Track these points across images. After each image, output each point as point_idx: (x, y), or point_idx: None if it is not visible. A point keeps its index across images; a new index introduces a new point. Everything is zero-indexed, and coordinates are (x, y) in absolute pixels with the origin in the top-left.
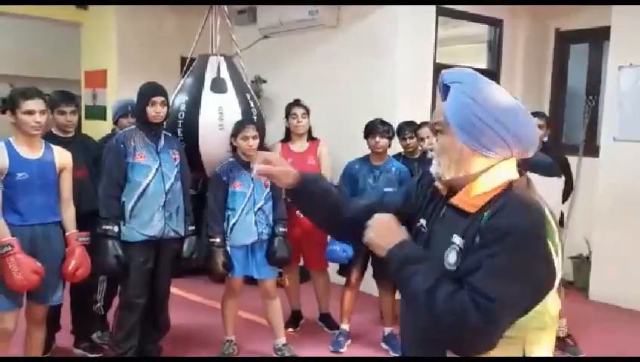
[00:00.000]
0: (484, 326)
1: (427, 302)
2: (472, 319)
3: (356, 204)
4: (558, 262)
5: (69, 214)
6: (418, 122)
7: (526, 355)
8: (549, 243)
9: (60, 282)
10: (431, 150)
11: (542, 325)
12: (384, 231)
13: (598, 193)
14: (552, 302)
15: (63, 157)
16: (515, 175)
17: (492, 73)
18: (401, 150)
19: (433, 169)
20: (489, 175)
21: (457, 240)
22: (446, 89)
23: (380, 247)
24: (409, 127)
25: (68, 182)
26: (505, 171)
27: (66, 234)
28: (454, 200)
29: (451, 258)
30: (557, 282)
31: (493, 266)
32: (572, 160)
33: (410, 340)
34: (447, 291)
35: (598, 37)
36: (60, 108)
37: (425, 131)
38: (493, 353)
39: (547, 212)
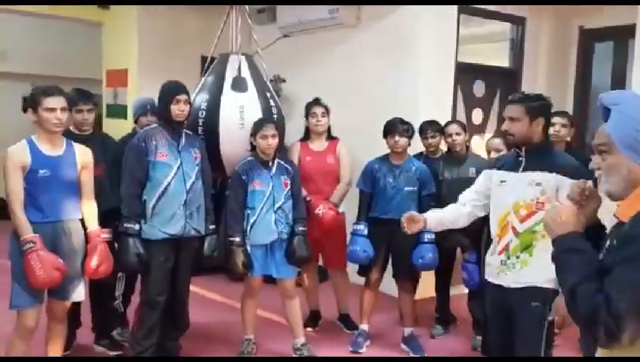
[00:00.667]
0: (610, 321)
1: (570, 294)
2: (602, 315)
3: None
4: None
5: (90, 211)
6: (440, 121)
7: None
8: None
9: (82, 279)
10: (598, 169)
11: None
12: (561, 218)
13: None
14: None
15: (84, 154)
16: None
17: (514, 72)
18: (423, 149)
19: (602, 188)
20: None
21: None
22: (606, 111)
23: (551, 231)
24: (431, 127)
25: (89, 179)
26: None
27: (88, 230)
28: (619, 215)
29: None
30: None
31: (622, 269)
32: None
33: None
34: (589, 290)
35: (623, 35)
36: (77, 107)
37: (454, 128)
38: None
39: None
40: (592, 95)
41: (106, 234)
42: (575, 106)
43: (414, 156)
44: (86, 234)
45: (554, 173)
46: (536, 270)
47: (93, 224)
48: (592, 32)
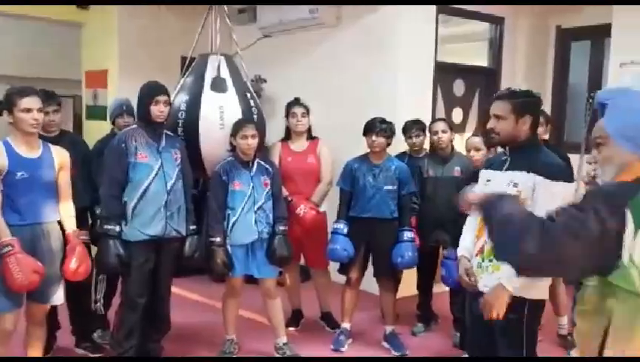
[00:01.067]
0: (541, 234)
1: (504, 219)
2: (535, 224)
3: None
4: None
5: (68, 212)
6: (420, 120)
7: None
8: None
9: (61, 281)
10: (596, 162)
11: None
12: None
13: None
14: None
15: (61, 155)
16: None
17: (493, 71)
18: (406, 148)
19: (599, 179)
20: (631, 172)
21: None
22: (602, 106)
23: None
24: (415, 126)
25: (67, 181)
26: None
27: (67, 232)
28: None
29: None
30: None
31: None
32: (575, 158)
33: None
34: (526, 214)
35: (600, 34)
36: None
37: (440, 125)
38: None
39: None
40: (569, 93)
41: (84, 236)
42: (553, 104)
43: (398, 155)
44: (64, 236)
45: (531, 173)
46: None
47: (71, 225)
48: (569, 32)
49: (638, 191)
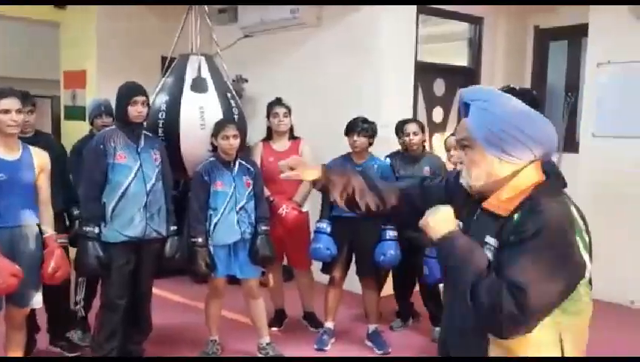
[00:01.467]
0: (517, 312)
1: (471, 291)
2: (507, 305)
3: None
4: (586, 254)
5: (47, 216)
6: (401, 119)
7: (562, 339)
8: (577, 238)
9: (40, 285)
10: (460, 163)
11: (576, 310)
12: (442, 221)
13: (578, 188)
14: (585, 289)
15: (41, 158)
16: (540, 177)
17: (473, 70)
18: (399, 148)
19: (463, 180)
20: (518, 180)
21: (491, 241)
22: (466, 106)
23: (435, 232)
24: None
25: (46, 183)
26: (530, 175)
27: (45, 235)
28: (487, 205)
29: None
30: (588, 273)
31: (527, 261)
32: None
33: (451, 328)
34: (488, 282)
35: (577, 34)
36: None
37: (412, 127)
38: (530, 336)
39: (574, 209)
40: (547, 92)
41: (62, 239)
42: (531, 103)
43: (391, 154)
44: (43, 239)
45: None
46: None
47: (50, 228)
48: (546, 32)
49: (570, 210)
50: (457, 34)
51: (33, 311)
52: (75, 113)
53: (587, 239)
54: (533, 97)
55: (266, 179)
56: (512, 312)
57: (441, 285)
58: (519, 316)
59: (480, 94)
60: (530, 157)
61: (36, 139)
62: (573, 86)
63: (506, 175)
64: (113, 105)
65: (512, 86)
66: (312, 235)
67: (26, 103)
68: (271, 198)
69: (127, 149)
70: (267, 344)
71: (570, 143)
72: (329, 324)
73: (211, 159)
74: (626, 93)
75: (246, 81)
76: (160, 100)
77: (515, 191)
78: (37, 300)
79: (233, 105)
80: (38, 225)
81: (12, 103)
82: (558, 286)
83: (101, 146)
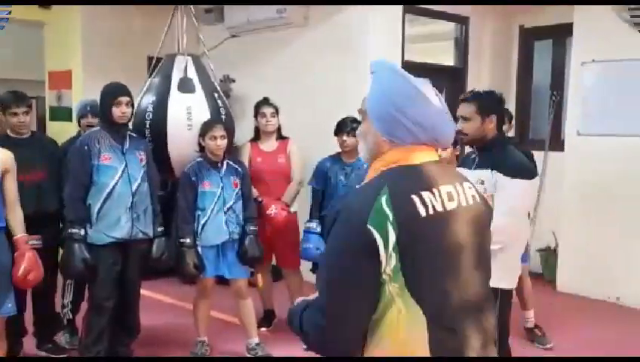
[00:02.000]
0: (326, 323)
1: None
2: (318, 318)
3: None
4: (387, 252)
5: (15, 218)
6: None
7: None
8: (372, 229)
9: (11, 291)
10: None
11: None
12: None
13: (564, 186)
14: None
15: (5, 158)
16: (415, 160)
17: (460, 70)
18: None
19: (361, 154)
20: (383, 159)
21: None
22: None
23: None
24: None
25: (13, 185)
26: (397, 156)
27: (15, 238)
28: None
29: None
30: (386, 274)
31: (323, 254)
32: (539, 154)
33: None
34: (308, 313)
35: (561, 33)
36: (11, 110)
37: None
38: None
39: (387, 197)
40: (533, 91)
41: (34, 241)
42: (517, 102)
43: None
44: (12, 243)
45: (494, 171)
46: None
47: (19, 231)
48: (532, 31)
49: (378, 196)
50: (444, 34)
51: (21, 314)
52: (61, 114)
53: (395, 232)
54: (499, 98)
55: (254, 179)
56: (324, 325)
57: None
58: (330, 326)
59: (378, 67)
60: (412, 140)
61: (32, 139)
62: (558, 85)
63: (384, 152)
64: None
65: (475, 90)
66: (301, 235)
67: (21, 104)
68: (259, 199)
69: (112, 150)
70: (256, 344)
71: (555, 141)
72: None
73: (199, 159)
74: (610, 91)
75: (233, 81)
76: (147, 100)
77: (372, 172)
78: (8, 308)
79: (220, 105)
80: (5, 229)
81: None
82: (342, 284)
83: (85, 147)
